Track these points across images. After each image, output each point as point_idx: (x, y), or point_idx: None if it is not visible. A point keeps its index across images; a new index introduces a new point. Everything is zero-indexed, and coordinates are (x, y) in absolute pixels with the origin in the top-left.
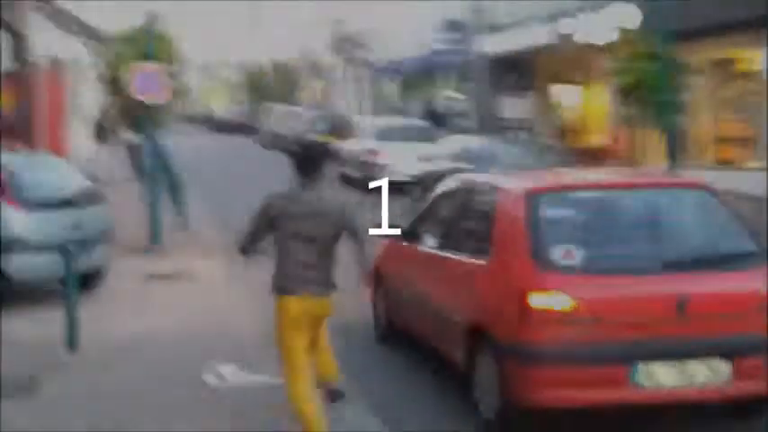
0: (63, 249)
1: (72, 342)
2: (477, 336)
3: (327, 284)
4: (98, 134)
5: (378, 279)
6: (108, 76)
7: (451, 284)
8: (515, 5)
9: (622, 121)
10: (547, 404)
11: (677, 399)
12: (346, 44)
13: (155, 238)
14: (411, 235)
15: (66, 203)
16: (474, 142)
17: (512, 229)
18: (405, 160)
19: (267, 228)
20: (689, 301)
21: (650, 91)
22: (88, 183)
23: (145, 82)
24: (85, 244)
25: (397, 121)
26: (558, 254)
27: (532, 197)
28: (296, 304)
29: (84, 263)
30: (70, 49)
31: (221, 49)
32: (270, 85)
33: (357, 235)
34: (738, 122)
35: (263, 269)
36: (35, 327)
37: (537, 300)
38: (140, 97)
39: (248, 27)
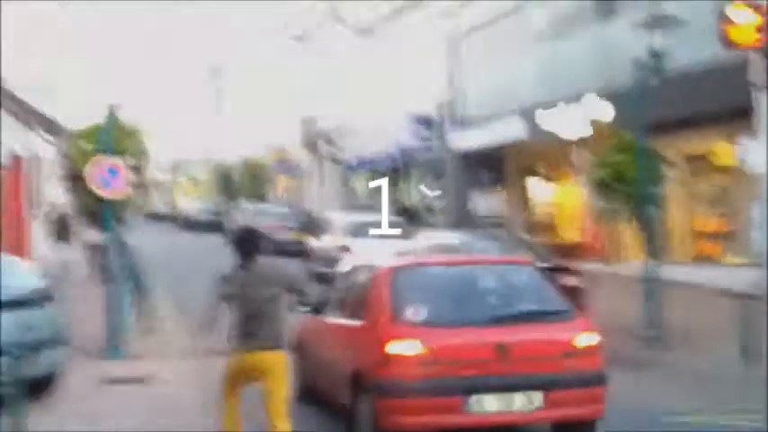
0: (8, 352)
1: None
2: (356, 379)
3: (268, 341)
4: (58, 232)
5: (297, 348)
6: (69, 172)
7: (339, 343)
8: (486, 100)
9: (598, 215)
10: (405, 428)
11: (502, 422)
12: (317, 141)
13: (113, 341)
14: (319, 309)
15: (15, 304)
16: (448, 238)
17: (378, 296)
18: (379, 257)
19: (221, 301)
20: (508, 347)
21: (628, 184)
22: (41, 283)
23: (106, 177)
24: (36, 347)
25: (369, 217)
26: (408, 313)
27: (395, 271)
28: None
29: (34, 367)
30: (32, 144)
31: (189, 145)
32: (239, 182)
33: (294, 286)
34: (715, 217)
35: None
36: None
37: (391, 346)
38: (101, 192)
39: (216, 123)
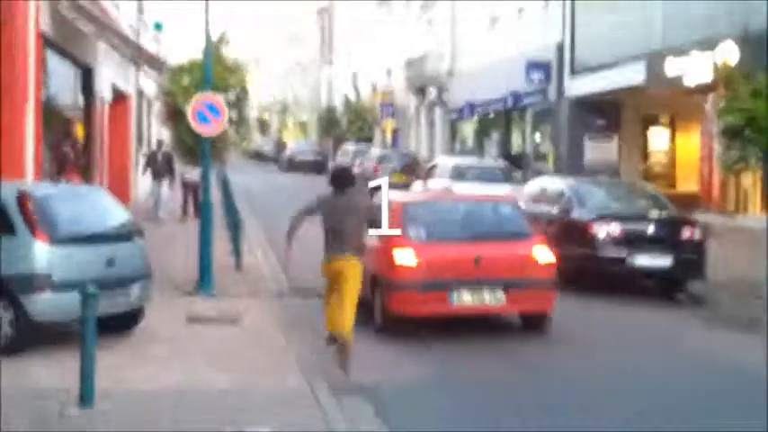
0: (82, 288)
1: (85, 396)
2: (374, 280)
3: (350, 251)
4: (158, 170)
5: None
6: (168, 108)
7: (370, 257)
8: (605, 44)
9: (723, 165)
10: (405, 314)
11: (475, 311)
12: (425, 84)
13: (204, 279)
14: None
15: (99, 239)
16: (556, 184)
17: (391, 222)
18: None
19: (312, 214)
20: (481, 257)
21: (761, 131)
22: (128, 217)
23: (204, 113)
24: (120, 282)
25: (474, 161)
26: (413, 233)
27: (404, 205)
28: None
29: (118, 303)
30: (138, 81)
31: (297, 87)
32: (344, 125)
33: (370, 217)
34: None
35: (314, 315)
36: (51, 375)
37: (396, 257)
38: (199, 129)
39: (323, 65)
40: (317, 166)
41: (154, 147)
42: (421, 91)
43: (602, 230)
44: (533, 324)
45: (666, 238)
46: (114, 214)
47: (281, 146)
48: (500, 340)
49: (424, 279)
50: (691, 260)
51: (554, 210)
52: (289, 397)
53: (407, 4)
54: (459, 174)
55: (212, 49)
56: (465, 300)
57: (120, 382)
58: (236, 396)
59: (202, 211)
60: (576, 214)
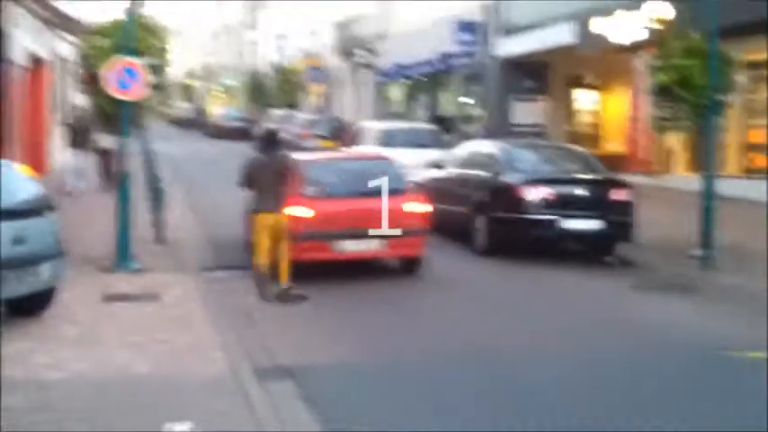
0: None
1: None
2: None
3: (277, 206)
4: (74, 138)
5: None
6: (85, 73)
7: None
8: (533, 4)
9: (653, 125)
10: (303, 259)
11: (360, 256)
12: (351, 47)
13: (122, 254)
14: None
15: (5, 215)
16: (486, 147)
17: (293, 180)
18: (411, 167)
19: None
20: (365, 210)
21: (694, 90)
22: (39, 191)
23: (123, 77)
24: (30, 261)
25: (403, 125)
26: (309, 190)
27: (302, 163)
28: (263, 218)
29: (27, 284)
30: (56, 46)
31: (221, 51)
32: (270, 89)
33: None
34: None
35: (236, 292)
36: None
37: (292, 211)
38: (117, 94)
39: (247, 29)
40: (242, 133)
41: (72, 115)
42: (349, 54)
43: (532, 193)
44: (409, 266)
45: (596, 201)
46: (22, 187)
47: (203, 112)
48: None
49: (315, 230)
50: (620, 222)
51: (484, 173)
52: (212, 383)
53: None
54: (386, 139)
55: (134, 10)
56: (353, 247)
57: (26, 371)
58: (155, 384)
59: (119, 180)
60: (506, 178)
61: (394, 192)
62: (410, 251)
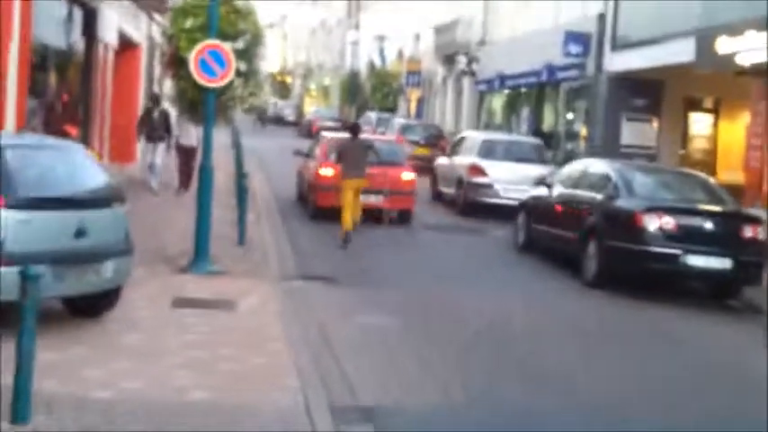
0: (24, 270)
1: (18, 411)
2: (310, 185)
3: (362, 173)
4: (150, 131)
5: None
6: (168, 56)
7: (307, 172)
8: (651, 18)
9: None
10: (325, 206)
11: (367, 206)
12: (454, 53)
13: (199, 254)
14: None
15: (68, 203)
16: (600, 167)
17: (322, 154)
18: (513, 182)
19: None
20: (382, 175)
21: None
22: (107, 180)
23: (208, 61)
24: (92, 257)
25: (505, 137)
26: (331, 158)
27: (329, 142)
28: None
29: (88, 282)
30: (147, 27)
31: (317, 49)
32: (366, 91)
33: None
34: None
35: (317, 304)
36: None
37: (323, 169)
38: (201, 80)
39: (349, 28)
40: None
41: (149, 103)
42: (450, 59)
43: (653, 222)
44: (403, 216)
45: (725, 236)
46: (90, 175)
47: (299, 110)
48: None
49: (336, 184)
50: (751, 262)
51: (597, 196)
52: (280, 419)
53: None
54: (487, 150)
55: None
56: (372, 200)
57: (71, 385)
58: (214, 414)
59: (201, 176)
60: (623, 203)
61: (395, 163)
62: (404, 205)
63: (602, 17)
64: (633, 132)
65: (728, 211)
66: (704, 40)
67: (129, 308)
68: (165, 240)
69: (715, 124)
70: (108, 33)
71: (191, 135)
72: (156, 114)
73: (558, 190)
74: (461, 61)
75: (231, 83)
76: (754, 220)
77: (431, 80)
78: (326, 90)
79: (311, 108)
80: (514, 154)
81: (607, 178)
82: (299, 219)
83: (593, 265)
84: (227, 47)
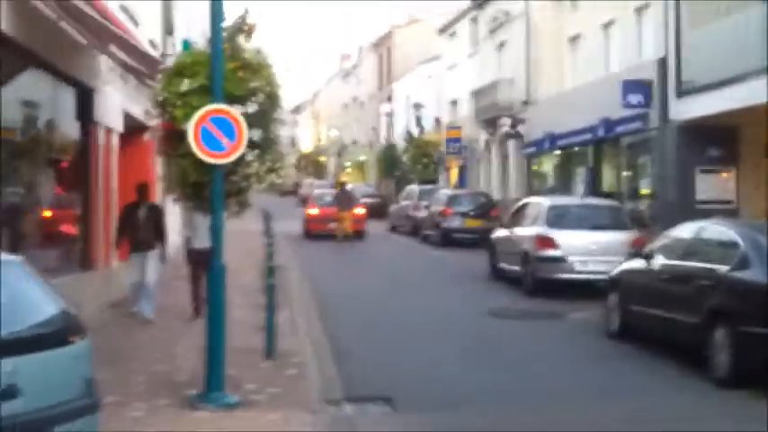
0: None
1: None
2: (305, 218)
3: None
4: (135, 235)
5: None
6: (160, 128)
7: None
8: (719, 59)
9: None
10: (312, 231)
11: (335, 231)
12: (496, 116)
13: (212, 379)
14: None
15: (17, 344)
16: (718, 231)
17: (310, 201)
18: (591, 254)
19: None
20: (341, 211)
21: None
22: (60, 309)
23: (211, 131)
24: (31, 426)
25: (577, 201)
26: (316, 202)
27: (313, 194)
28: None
29: None
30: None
31: (354, 129)
32: (405, 163)
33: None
34: None
35: None
36: None
37: (310, 210)
38: (204, 156)
39: (382, 101)
40: (372, 210)
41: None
42: (491, 123)
43: None
44: (359, 235)
45: None
46: (28, 301)
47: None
48: None
49: (318, 218)
50: None
51: (720, 267)
52: None
53: (474, 27)
54: (557, 218)
55: (222, 37)
56: (333, 226)
57: None
58: None
59: (211, 280)
60: (758, 275)
61: (353, 205)
62: (358, 227)
63: (662, 62)
64: (708, 186)
65: None
66: None
67: None
68: (172, 360)
69: None
70: (109, 115)
71: (205, 234)
72: (142, 212)
73: (660, 261)
74: (505, 124)
75: (243, 157)
76: None
77: (473, 147)
78: (362, 165)
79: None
80: (589, 220)
81: (732, 245)
82: (340, 316)
83: (724, 359)
84: (235, 112)
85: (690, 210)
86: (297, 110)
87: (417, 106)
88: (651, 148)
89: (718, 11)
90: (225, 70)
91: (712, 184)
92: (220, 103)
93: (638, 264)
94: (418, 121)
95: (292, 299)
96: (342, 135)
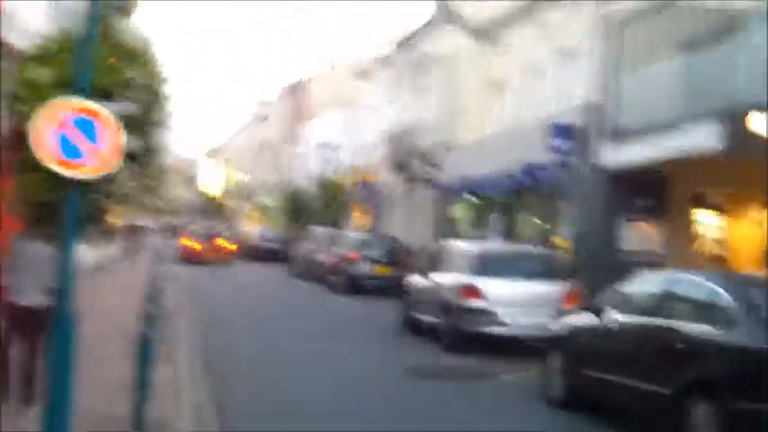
0: None
1: None
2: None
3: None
4: None
5: None
6: (10, 130)
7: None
8: (649, 104)
9: None
10: (188, 260)
11: (209, 259)
12: (409, 159)
13: None
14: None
15: None
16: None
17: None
18: (520, 305)
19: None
20: (212, 243)
21: None
22: None
23: (70, 135)
24: None
25: (506, 248)
26: (193, 237)
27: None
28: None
29: None
30: None
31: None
32: (312, 207)
33: None
34: None
35: None
36: None
37: (185, 242)
38: (58, 167)
39: (290, 143)
40: (275, 255)
41: None
42: (405, 168)
43: None
44: (225, 263)
45: None
46: None
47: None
48: None
49: (191, 249)
50: None
51: (700, 327)
52: None
53: (393, 71)
54: (482, 266)
55: (96, 16)
56: (210, 256)
57: None
58: None
59: (57, 333)
60: (752, 338)
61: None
62: (226, 257)
63: (593, 106)
64: (634, 236)
65: None
66: (736, 120)
67: None
68: None
69: (726, 224)
70: None
71: (36, 282)
72: None
73: (616, 317)
74: (419, 167)
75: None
76: None
77: (385, 191)
78: (267, 210)
79: (254, 229)
80: (519, 268)
81: (715, 300)
82: (231, 375)
83: None
84: (104, 108)
85: (613, 260)
86: (212, 153)
87: (326, 146)
88: (574, 196)
89: (648, 57)
90: (95, 57)
91: (638, 235)
92: (83, 97)
93: (587, 320)
94: (328, 162)
95: (180, 352)
96: (253, 178)
